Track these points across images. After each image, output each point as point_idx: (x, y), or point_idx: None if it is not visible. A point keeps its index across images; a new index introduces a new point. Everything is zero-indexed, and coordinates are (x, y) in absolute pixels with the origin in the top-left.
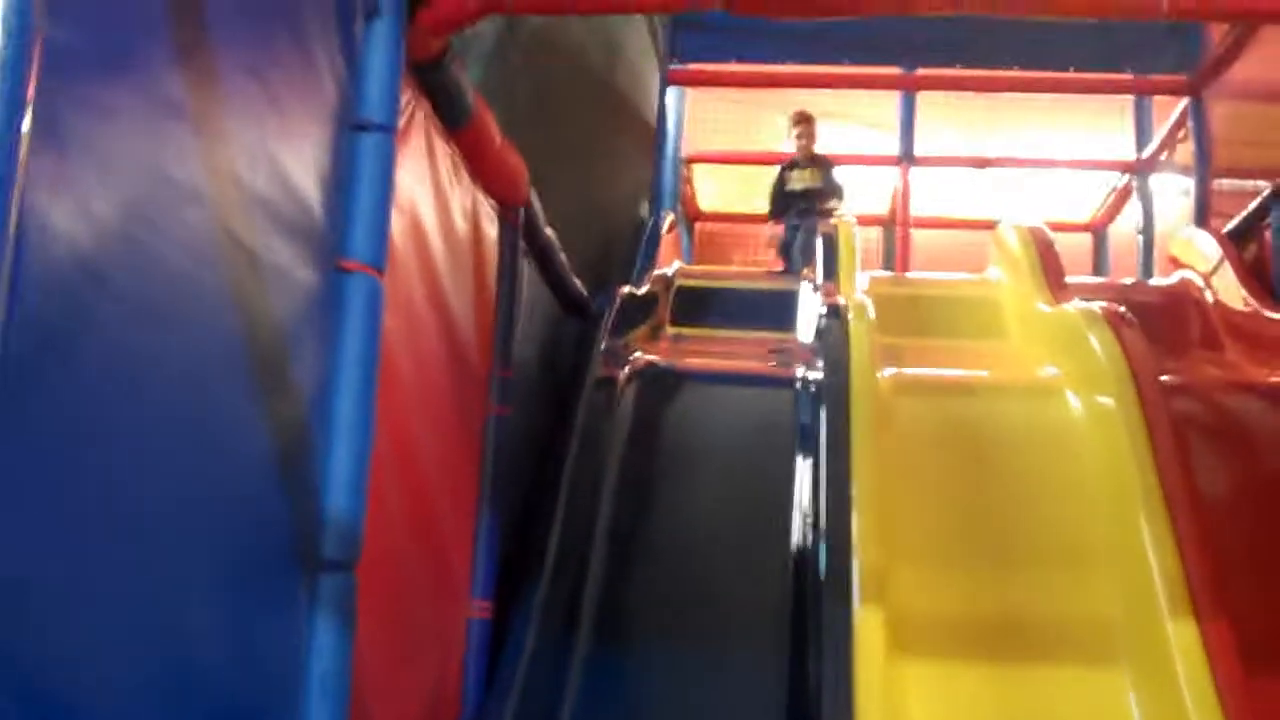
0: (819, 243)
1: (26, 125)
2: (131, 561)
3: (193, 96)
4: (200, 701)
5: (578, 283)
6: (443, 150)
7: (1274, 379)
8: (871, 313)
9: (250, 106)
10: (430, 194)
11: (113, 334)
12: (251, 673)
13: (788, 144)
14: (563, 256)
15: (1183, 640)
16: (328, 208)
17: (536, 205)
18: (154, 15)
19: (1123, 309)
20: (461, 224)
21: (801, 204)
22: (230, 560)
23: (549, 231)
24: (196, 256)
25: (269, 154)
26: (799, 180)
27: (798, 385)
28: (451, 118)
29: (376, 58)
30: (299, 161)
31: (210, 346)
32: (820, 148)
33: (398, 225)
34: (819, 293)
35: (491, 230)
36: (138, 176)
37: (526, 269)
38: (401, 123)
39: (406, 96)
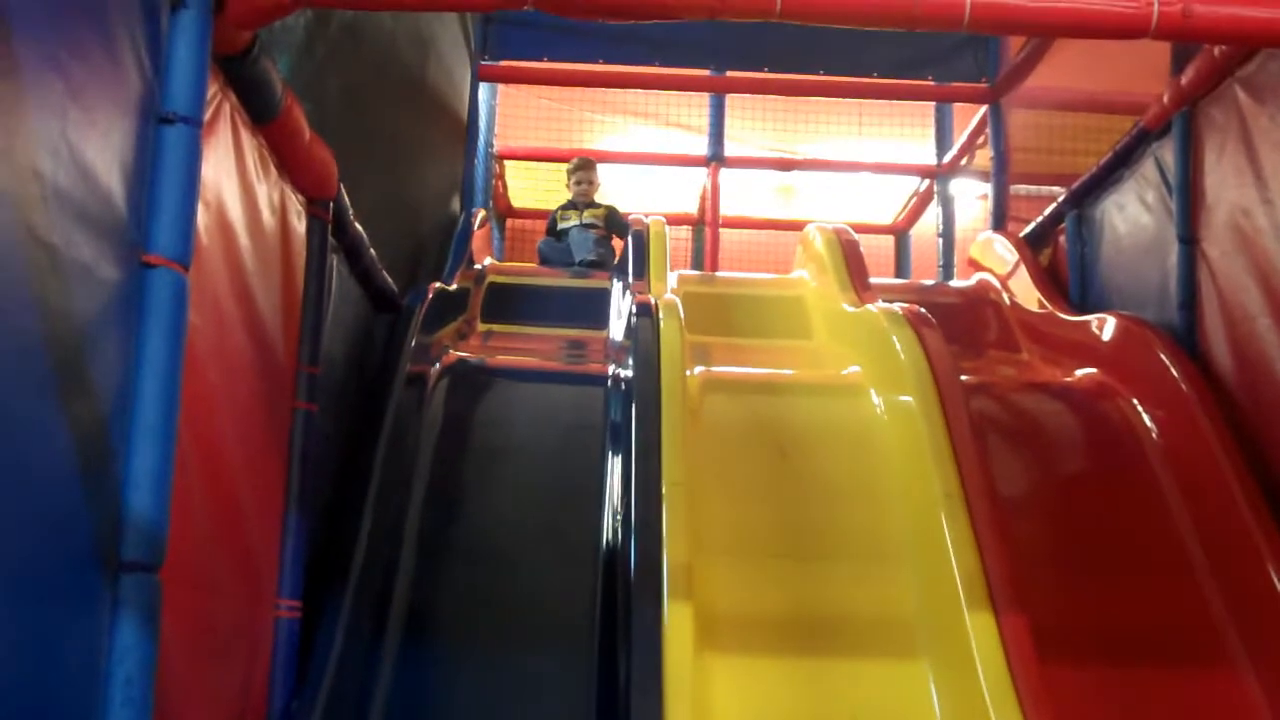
0: (629, 241)
1: None
2: None
3: None
4: None
5: (388, 279)
6: (250, 144)
7: (1067, 379)
8: (681, 312)
9: (50, 98)
10: (237, 188)
11: None
12: (49, 678)
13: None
14: (373, 252)
15: (980, 633)
16: (131, 201)
17: (345, 200)
18: None
19: (923, 310)
20: (269, 218)
21: (590, 257)
22: (24, 564)
23: (358, 227)
24: None
25: (70, 147)
26: (570, 220)
27: (609, 383)
28: (259, 111)
29: (182, 50)
30: (102, 154)
31: (5, 343)
32: (631, 145)
33: (203, 220)
34: (629, 291)
35: (300, 225)
36: None
37: (335, 265)
38: (208, 115)
39: (213, 89)
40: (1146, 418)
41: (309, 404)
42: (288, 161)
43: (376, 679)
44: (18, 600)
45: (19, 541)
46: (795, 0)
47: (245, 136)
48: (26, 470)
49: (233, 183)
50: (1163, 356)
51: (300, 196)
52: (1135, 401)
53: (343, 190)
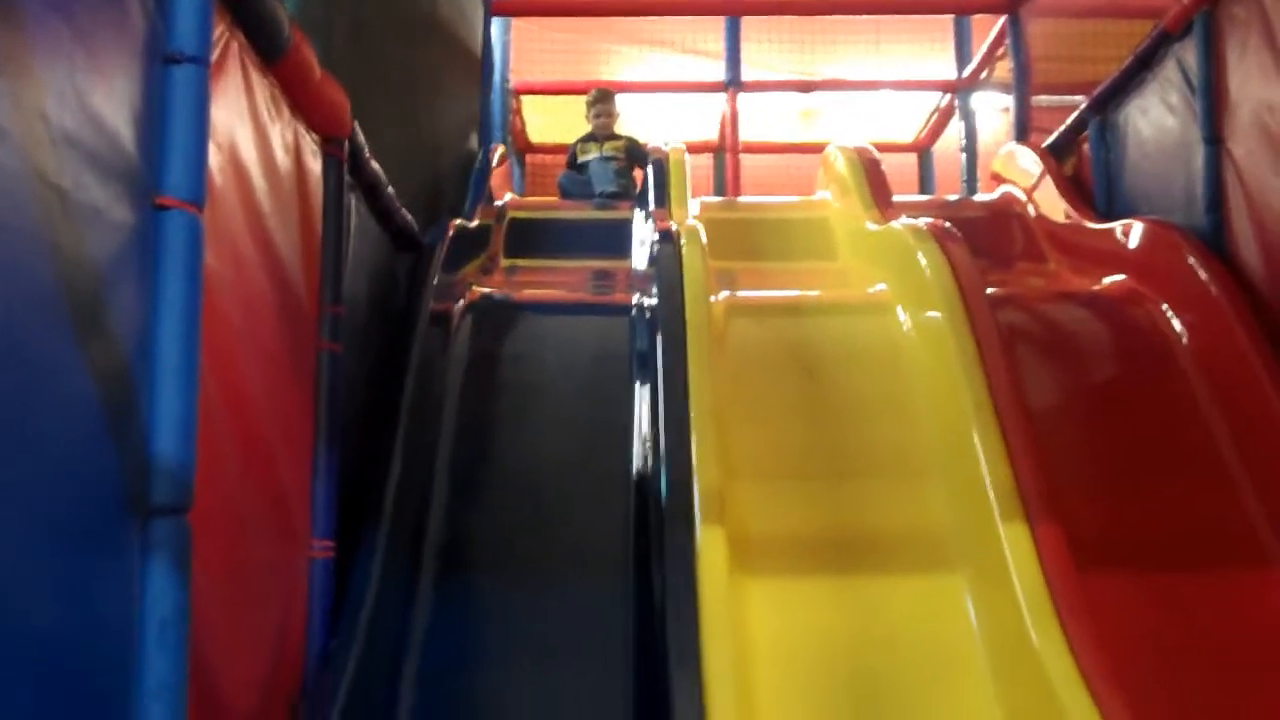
0: (650, 170)
1: None
2: None
3: None
4: (29, 657)
5: (408, 217)
6: (260, 83)
7: (1095, 288)
8: (704, 237)
9: (54, 42)
10: (249, 128)
11: None
12: (84, 624)
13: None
14: (391, 191)
15: (1015, 544)
16: (141, 144)
17: (361, 139)
18: None
19: (948, 224)
20: (283, 158)
21: (611, 188)
22: (52, 511)
23: (375, 165)
24: (3, 198)
25: (77, 90)
26: (590, 153)
27: (633, 312)
28: (268, 50)
29: None
30: (109, 97)
31: (22, 289)
32: (648, 74)
33: (216, 161)
34: (651, 220)
35: (315, 165)
36: None
37: (354, 204)
38: (215, 55)
39: (220, 29)
40: (1176, 322)
41: (333, 344)
42: (300, 100)
43: (413, 614)
44: (48, 548)
45: (46, 488)
46: None
47: (255, 76)
48: (49, 416)
49: (244, 123)
50: (1191, 260)
51: (314, 136)
52: (1165, 306)
53: (357, 128)
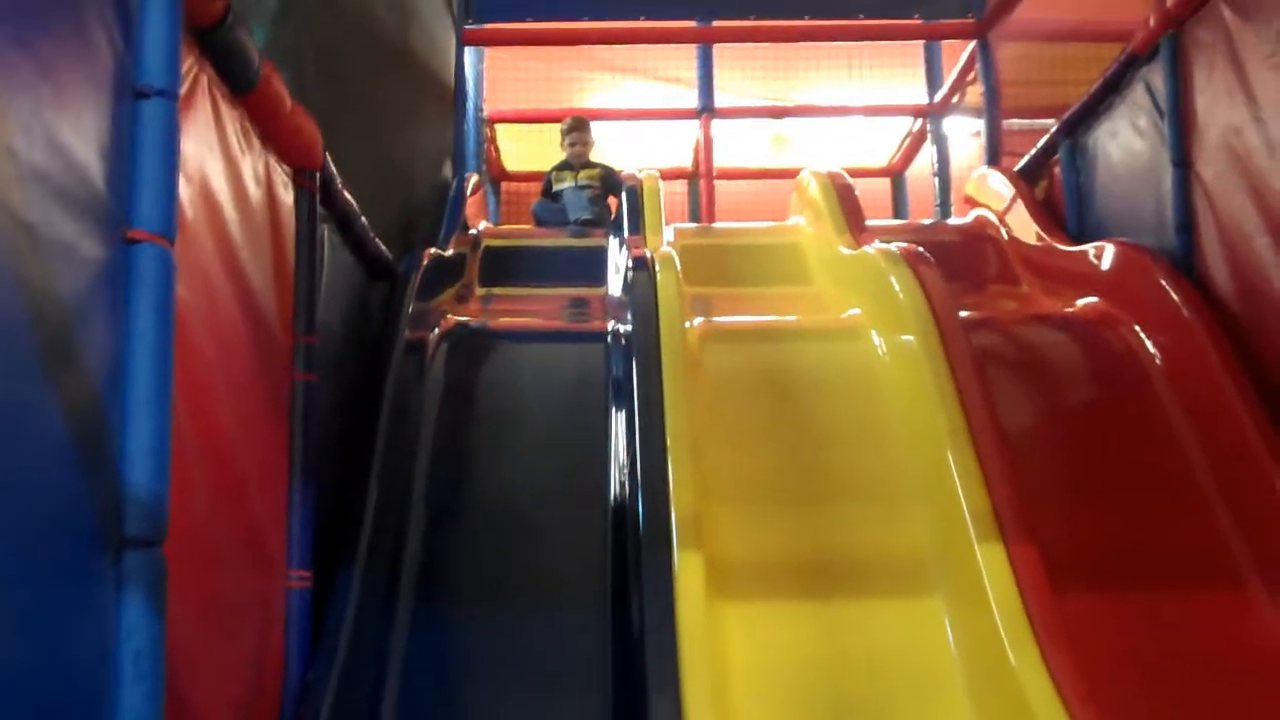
0: (624, 197)
1: None
2: None
3: None
4: (2, 691)
5: (382, 246)
6: (230, 116)
7: (1068, 309)
8: (678, 264)
9: (21, 77)
10: (219, 161)
11: None
12: (58, 657)
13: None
14: (364, 220)
15: (992, 566)
16: (111, 178)
17: (332, 169)
18: None
19: (921, 249)
20: (255, 190)
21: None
22: (25, 544)
23: (348, 196)
24: None
25: (45, 126)
26: (565, 181)
27: (609, 339)
28: (237, 82)
29: (153, 22)
30: (77, 131)
31: None
32: (621, 101)
33: (187, 194)
34: (625, 247)
35: (287, 196)
36: None
37: (326, 234)
38: (185, 88)
39: (188, 62)
40: (1149, 343)
41: (307, 374)
42: (270, 132)
43: (392, 644)
44: (21, 580)
45: (18, 521)
46: None
47: (225, 108)
48: (21, 450)
49: (215, 155)
50: (1162, 281)
51: (285, 167)
52: (1137, 328)
53: (329, 159)
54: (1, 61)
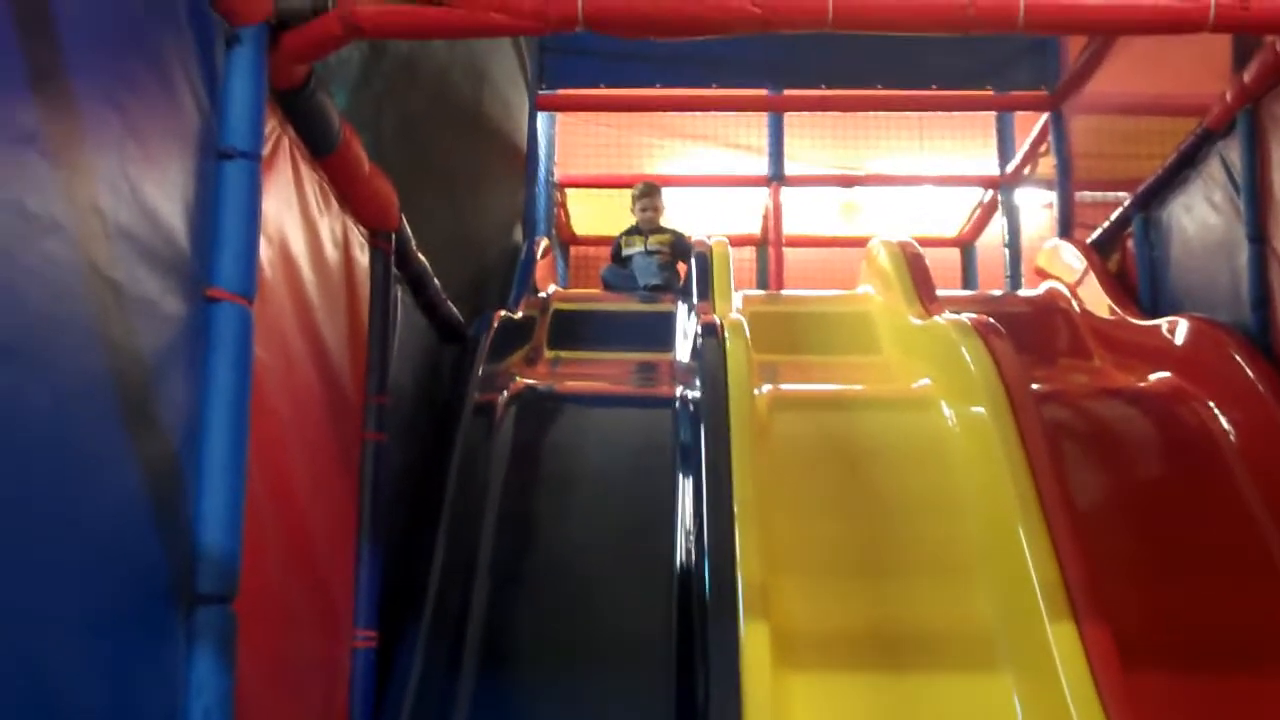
0: (693, 263)
1: None
2: None
3: (48, 126)
4: None
5: (453, 309)
6: (310, 177)
7: (1140, 384)
8: (747, 330)
9: (110, 136)
10: (299, 221)
11: None
12: (130, 710)
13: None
14: (437, 283)
15: (1063, 643)
16: (194, 237)
17: (408, 232)
18: (6, 45)
19: (992, 320)
20: (332, 251)
21: (655, 281)
22: (102, 600)
23: (421, 258)
24: (58, 290)
25: (131, 184)
26: (635, 246)
27: (677, 404)
28: (318, 144)
29: (239, 85)
30: (162, 191)
31: (74, 381)
32: (691, 167)
33: (266, 254)
34: (694, 313)
35: (363, 257)
36: None
37: (400, 295)
38: (267, 150)
39: (271, 124)
40: (1223, 420)
41: (378, 434)
42: (348, 194)
43: (455, 707)
44: (96, 634)
45: (95, 575)
46: (847, 7)
47: (305, 170)
48: (99, 504)
49: (294, 216)
50: (1237, 357)
51: (362, 228)
52: (1211, 404)
53: (404, 221)
54: (91, 121)
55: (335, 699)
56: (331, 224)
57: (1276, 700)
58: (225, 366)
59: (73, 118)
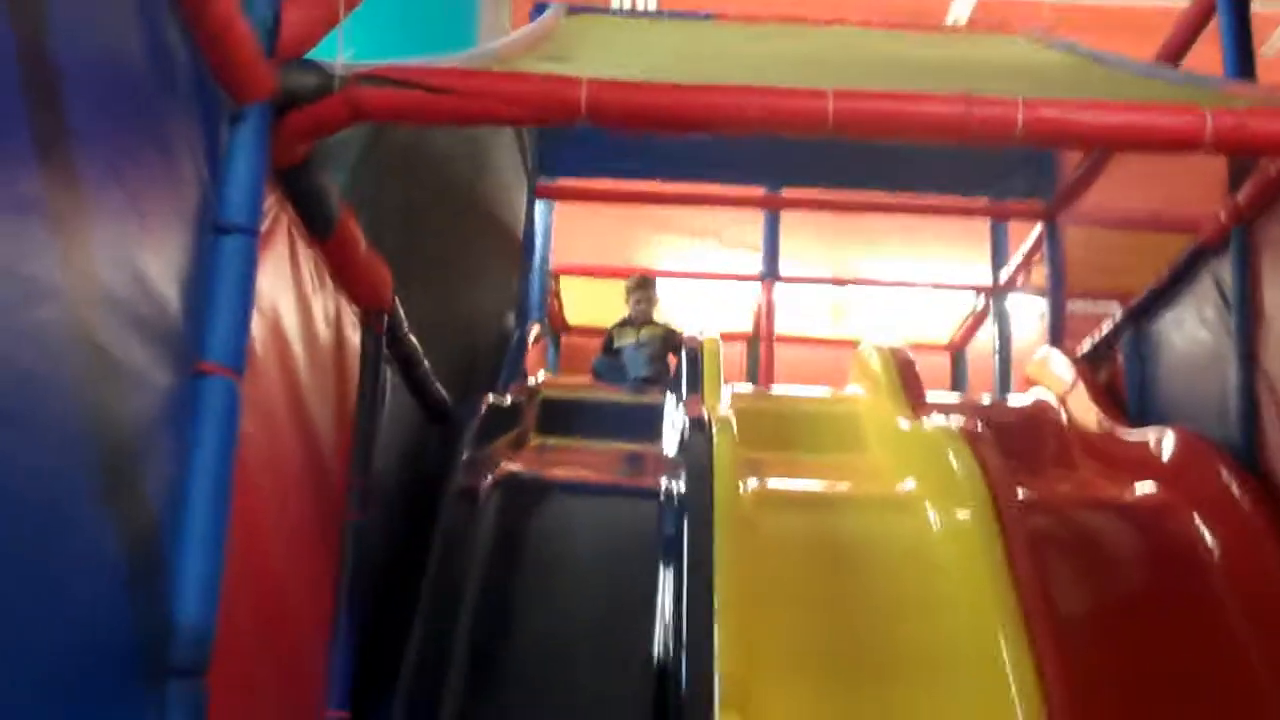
0: (684, 356)
1: None
2: None
3: (51, 194)
4: None
5: (441, 390)
6: (306, 255)
7: (1126, 496)
8: (735, 425)
9: (111, 206)
10: (292, 298)
11: None
12: None
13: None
14: (426, 364)
15: None
16: (187, 309)
17: (400, 312)
18: (13, 112)
19: (980, 426)
20: (324, 329)
21: (645, 373)
22: (72, 668)
23: (412, 339)
24: (49, 356)
25: (129, 254)
26: (627, 338)
27: (661, 497)
28: (316, 223)
29: (240, 161)
30: (159, 262)
31: (57, 448)
32: (686, 261)
33: (258, 328)
34: (683, 405)
35: (354, 336)
36: None
37: (389, 375)
38: (265, 226)
39: (270, 200)
40: (1208, 535)
41: (360, 514)
42: (343, 273)
43: None
44: (67, 704)
45: (68, 645)
46: (847, 113)
47: (301, 248)
48: (72, 572)
49: (288, 293)
50: (1224, 472)
51: (355, 307)
52: (1196, 518)
53: (397, 302)
54: (93, 190)
55: None
56: (325, 302)
57: None
58: (211, 440)
59: (75, 187)
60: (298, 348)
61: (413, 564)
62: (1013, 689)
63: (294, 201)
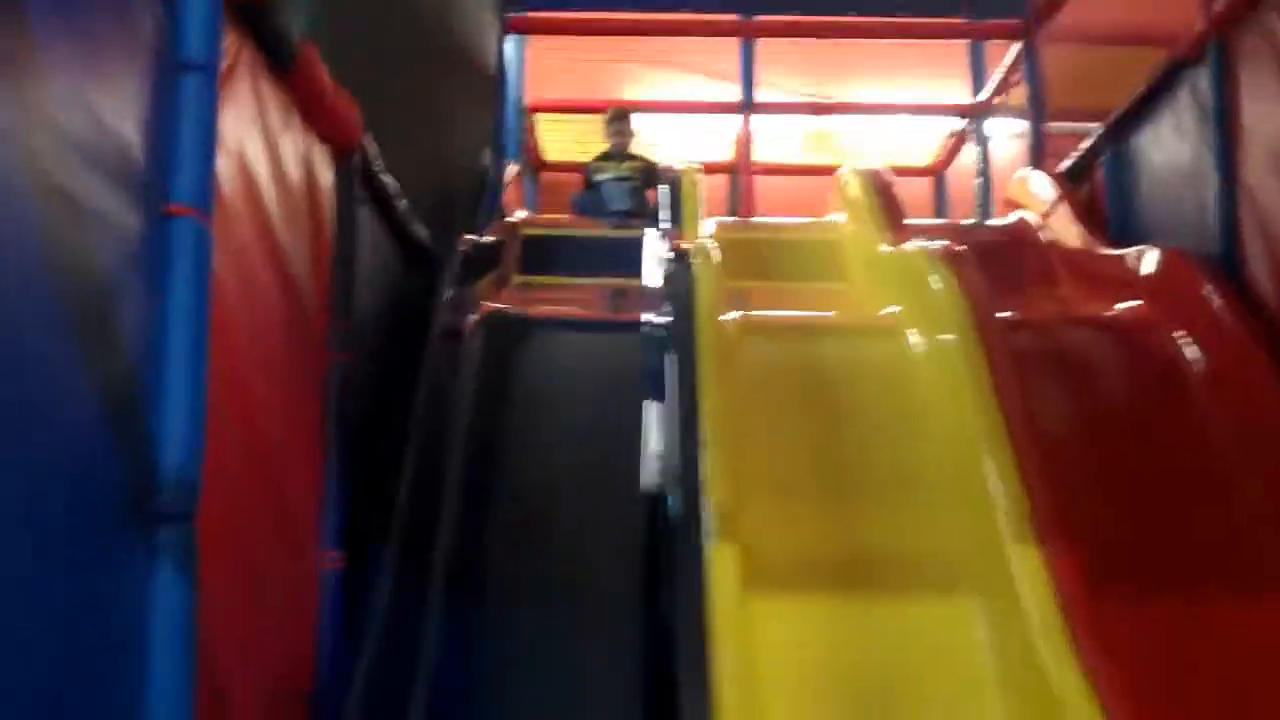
0: (664, 189)
1: None
2: None
3: None
4: (38, 661)
5: (421, 231)
6: (271, 95)
7: (1108, 313)
8: (716, 256)
9: (60, 46)
10: (259, 138)
11: None
12: (90, 632)
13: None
14: (403, 204)
15: (1026, 568)
16: (150, 151)
17: (373, 151)
18: None
19: (961, 248)
20: (294, 169)
21: (624, 207)
22: (59, 519)
23: (388, 178)
24: (7, 201)
25: (83, 96)
26: (606, 172)
27: (645, 329)
28: (279, 61)
29: None
30: (117, 103)
31: (26, 296)
32: (663, 94)
33: (226, 170)
34: (664, 238)
35: (327, 176)
36: None
37: (365, 216)
38: (225, 65)
39: (230, 39)
40: (1190, 348)
41: (343, 355)
42: (311, 112)
43: (424, 628)
44: (55, 554)
45: (52, 493)
46: None
47: (266, 87)
48: (54, 424)
49: (255, 133)
50: (1205, 286)
51: (326, 148)
52: (1178, 333)
53: (369, 141)
54: (41, 30)
55: (303, 619)
56: (294, 142)
57: (1241, 628)
58: (183, 283)
59: (21, 27)
60: (268, 189)
61: (400, 405)
62: (998, 503)
63: (255, 39)
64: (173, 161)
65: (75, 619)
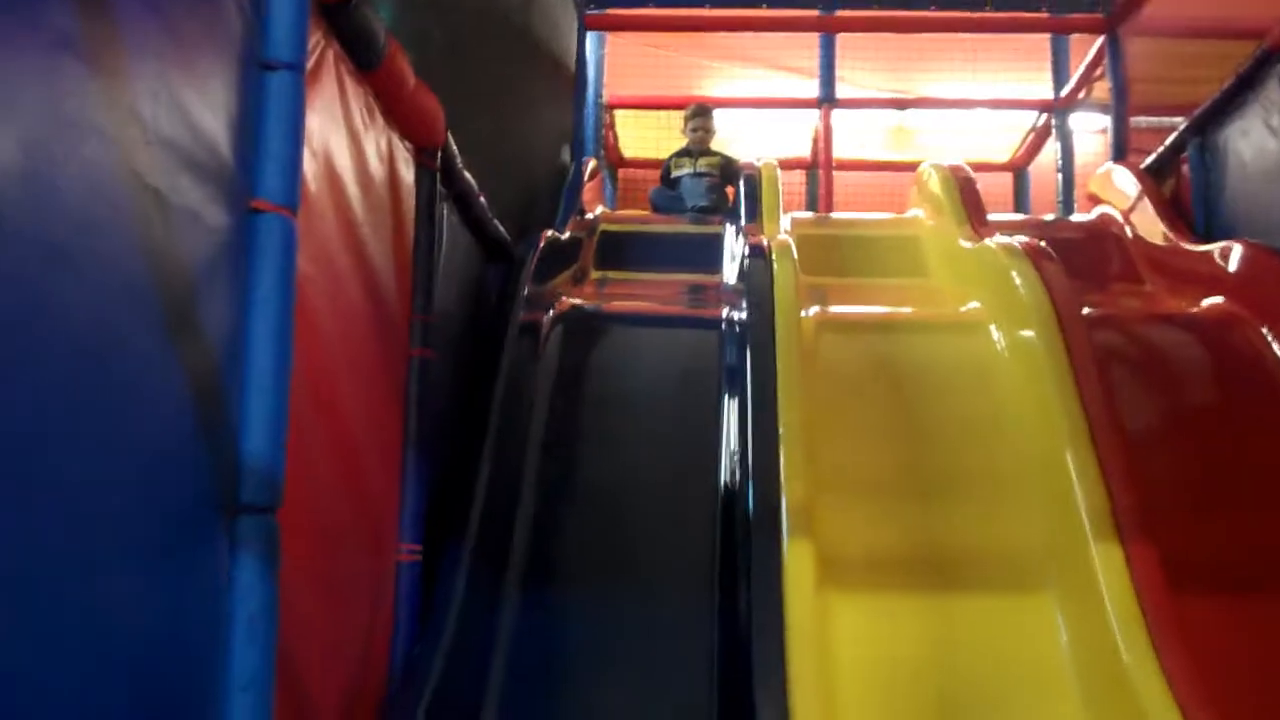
0: (742, 185)
1: None
2: (37, 517)
3: (86, 30)
4: (122, 650)
5: (500, 228)
6: (355, 92)
7: (1192, 310)
8: (795, 252)
9: (149, 43)
10: (343, 136)
11: (11, 273)
12: (174, 621)
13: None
14: (483, 200)
15: (1108, 566)
16: (236, 148)
17: (454, 148)
18: None
19: (1043, 243)
20: (377, 166)
21: (703, 203)
22: (146, 508)
23: (468, 176)
24: (99, 195)
25: (172, 92)
26: (684, 168)
27: (723, 326)
28: (363, 58)
29: None
30: (204, 100)
31: (117, 289)
32: (741, 90)
33: (310, 167)
34: (742, 235)
35: (408, 173)
36: (31, 112)
37: (446, 213)
38: (311, 63)
39: (316, 37)
40: (1276, 346)
41: (424, 351)
42: (394, 109)
43: (499, 621)
44: (140, 543)
45: (138, 484)
46: None
47: (350, 85)
48: (142, 413)
49: (339, 131)
50: None
51: (408, 145)
52: (1264, 330)
53: (450, 138)
54: (130, 27)
55: (380, 611)
56: (377, 139)
57: None
58: (269, 278)
59: (111, 24)
60: (352, 186)
61: (478, 401)
62: (1081, 503)
63: (340, 37)
64: (259, 159)
65: (160, 606)
